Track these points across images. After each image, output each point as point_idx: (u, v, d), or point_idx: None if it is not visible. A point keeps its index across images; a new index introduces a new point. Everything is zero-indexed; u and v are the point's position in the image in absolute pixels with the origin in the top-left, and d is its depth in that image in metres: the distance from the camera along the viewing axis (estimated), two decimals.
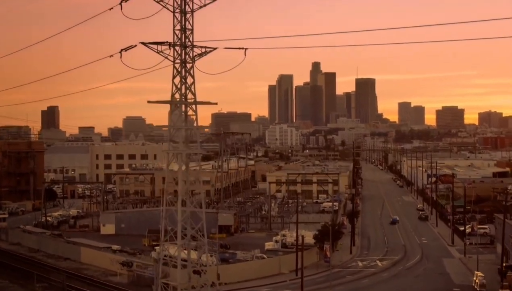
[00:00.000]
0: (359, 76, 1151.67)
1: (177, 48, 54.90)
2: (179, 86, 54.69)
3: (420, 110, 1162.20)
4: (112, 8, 55.71)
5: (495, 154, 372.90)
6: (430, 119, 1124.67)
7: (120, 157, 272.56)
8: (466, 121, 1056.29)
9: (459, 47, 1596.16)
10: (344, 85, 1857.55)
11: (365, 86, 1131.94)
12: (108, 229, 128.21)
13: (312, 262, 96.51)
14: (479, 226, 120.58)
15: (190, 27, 54.89)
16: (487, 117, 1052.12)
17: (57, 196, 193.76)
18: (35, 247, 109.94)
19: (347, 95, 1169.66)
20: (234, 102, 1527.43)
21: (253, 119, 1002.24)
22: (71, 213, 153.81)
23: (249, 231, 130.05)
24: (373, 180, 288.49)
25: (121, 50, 55.79)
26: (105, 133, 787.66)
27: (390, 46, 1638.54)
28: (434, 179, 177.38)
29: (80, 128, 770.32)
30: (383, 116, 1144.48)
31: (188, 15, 54.89)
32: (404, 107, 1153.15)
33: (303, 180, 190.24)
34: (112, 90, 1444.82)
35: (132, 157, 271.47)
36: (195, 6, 54.92)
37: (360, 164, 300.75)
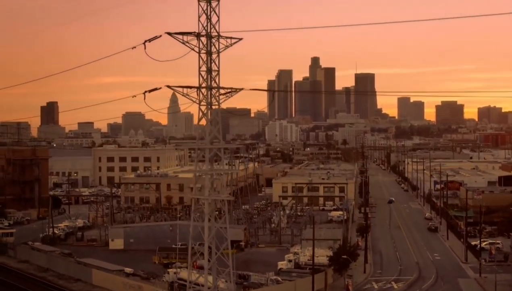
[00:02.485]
0: (359, 71, 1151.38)
1: (203, 89, 53.53)
2: (207, 131, 53.35)
3: (419, 105, 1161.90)
4: (135, 47, 54.34)
5: (497, 153, 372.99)
6: (429, 114, 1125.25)
7: (123, 159, 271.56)
8: (466, 116, 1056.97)
9: (458, 41, 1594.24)
10: (344, 80, 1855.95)
11: (365, 81, 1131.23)
12: (117, 244, 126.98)
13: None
14: (491, 241, 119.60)
15: (216, 68, 53.44)
16: (486, 112, 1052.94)
17: (61, 203, 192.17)
18: (45, 266, 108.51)
19: (347, 90, 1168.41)
20: (233, 97, 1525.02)
21: (252, 114, 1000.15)
22: (77, 223, 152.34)
23: (258, 246, 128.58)
24: (377, 181, 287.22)
25: (145, 91, 54.51)
26: (104, 129, 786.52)
27: (390, 40, 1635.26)
28: (441, 186, 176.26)
29: (79, 123, 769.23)
30: (382, 111, 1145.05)
31: (214, 56, 53.47)
32: (403, 102, 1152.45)
33: (310, 188, 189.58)
34: (111, 85, 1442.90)
35: (135, 159, 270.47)
36: (221, 46, 53.50)
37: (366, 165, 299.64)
